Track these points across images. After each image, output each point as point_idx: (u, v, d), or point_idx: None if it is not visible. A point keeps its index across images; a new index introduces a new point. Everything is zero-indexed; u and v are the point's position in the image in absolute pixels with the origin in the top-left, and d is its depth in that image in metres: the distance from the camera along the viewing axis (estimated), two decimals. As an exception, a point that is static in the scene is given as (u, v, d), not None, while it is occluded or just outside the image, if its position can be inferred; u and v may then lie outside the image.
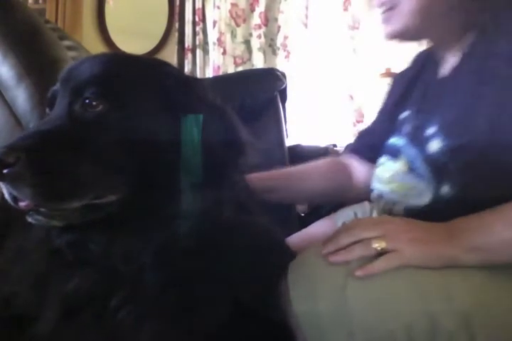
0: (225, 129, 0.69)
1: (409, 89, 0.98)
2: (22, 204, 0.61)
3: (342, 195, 1.13)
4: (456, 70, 0.83)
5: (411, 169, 0.84)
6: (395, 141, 0.93)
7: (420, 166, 0.81)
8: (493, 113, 0.72)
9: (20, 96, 1.43)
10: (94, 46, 2.90)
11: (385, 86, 2.57)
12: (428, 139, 0.80)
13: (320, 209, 1.76)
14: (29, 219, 0.63)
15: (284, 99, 1.66)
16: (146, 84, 0.68)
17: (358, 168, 1.11)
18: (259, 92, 1.54)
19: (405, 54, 3.05)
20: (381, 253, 0.65)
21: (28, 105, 1.42)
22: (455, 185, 0.75)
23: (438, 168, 0.77)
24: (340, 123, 2.89)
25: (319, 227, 1.19)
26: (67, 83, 0.67)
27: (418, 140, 0.83)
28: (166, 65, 0.73)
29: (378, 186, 0.93)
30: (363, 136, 1.15)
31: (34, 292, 0.71)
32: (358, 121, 2.85)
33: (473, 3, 0.78)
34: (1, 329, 0.74)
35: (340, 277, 0.65)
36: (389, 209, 0.89)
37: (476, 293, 0.65)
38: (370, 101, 2.76)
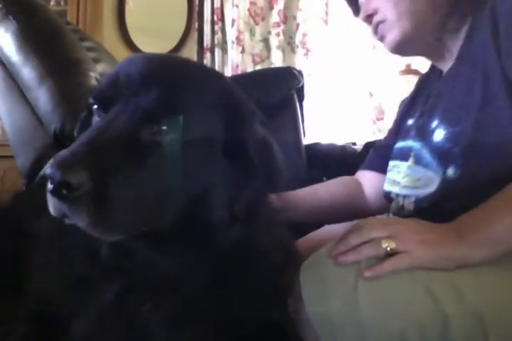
0: (269, 165, 0.67)
1: (413, 104, 1.06)
2: (68, 221, 0.57)
3: (355, 210, 1.13)
4: (451, 71, 0.90)
5: (418, 161, 0.88)
6: (402, 144, 0.98)
7: (426, 156, 0.85)
8: (483, 102, 0.78)
9: (42, 97, 1.46)
10: (115, 47, 2.93)
11: (404, 83, 2.56)
12: (433, 131, 0.86)
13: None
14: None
15: (301, 98, 1.65)
16: (217, 116, 0.65)
17: (372, 182, 1.12)
18: (276, 91, 1.54)
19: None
20: (390, 253, 0.65)
21: (50, 105, 1.44)
22: (460, 167, 0.78)
23: (443, 154, 0.81)
24: (359, 121, 2.87)
25: (337, 226, 1.19)
26: (136, 96, 0.61)
27: (423, 134, 0.89)
28: (231, 89, 0.70)
29: (393, 187, 0.95)
30: (376, 150, 1.17)
31: (71, 294, 0.71)
32: (378, 119, 2.83)
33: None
34: (36, 329, 0.75)
35: (351, 277, 0.65)
36: (401, 205, 0.90)
37: (488, 292, 0.64)
38: (390, 98, 2.73)
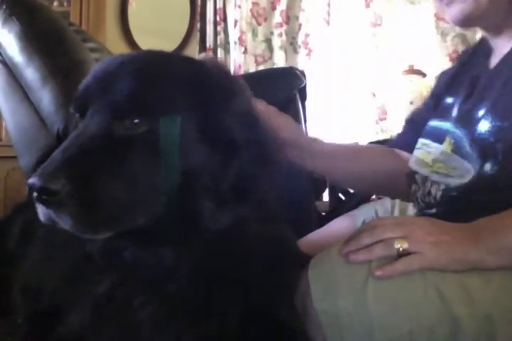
0: (254, 140, 0.66)
1: (455, 80, 0.98)
2: (58, 226, 0.59)
3: (394, 181, 1.04)
4: (508, 57, 0.84)
5: (456, 149, 0.84)
6: (438, 124, 0.93)
7: (466, 146, 0.81)
8: None
9: (45, 98, 1.46)
10: (118, 47, 2.94)
11: (407, 83, 2.55)
12: (478, 120, 0.81)
13: (341, 208, 1.76)
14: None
15: (303, 98, 1.65)
16: (188, 103, 0.63)
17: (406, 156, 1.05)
18: (278, 91, 1.54)
19: (428, 51, 3.02)
20: (402, 254, 0.64)
21: (53, 106, 1.45)
22: (498, 164, 0.75)
23: (485, 147, 0.78)
24: (362, 121, 2.86)
25: (339, 224, 1.19)
26: (104, 95, 0.62)
27: (467, 122, 0.84)
28: (206, 72, 0.68)
29: (422, 169, 0.92)
30: (410, 125, 1.10)
31: (63, 289, 0.73)
32: (381, 119, 2.82)
33: None
34: (30, 324, 0.77)
35: (361, 276, 0.64)
36: (428, 191, 0.88)
37: (497, 295, 0.64)
38: (393, 98, 2.73)
